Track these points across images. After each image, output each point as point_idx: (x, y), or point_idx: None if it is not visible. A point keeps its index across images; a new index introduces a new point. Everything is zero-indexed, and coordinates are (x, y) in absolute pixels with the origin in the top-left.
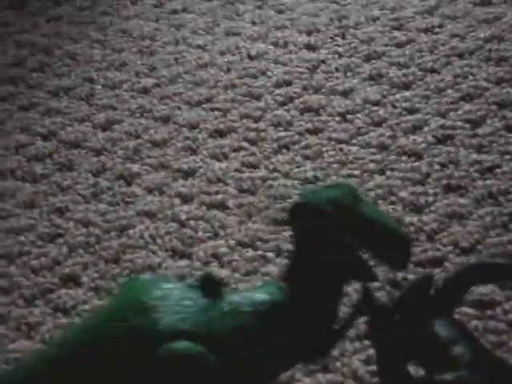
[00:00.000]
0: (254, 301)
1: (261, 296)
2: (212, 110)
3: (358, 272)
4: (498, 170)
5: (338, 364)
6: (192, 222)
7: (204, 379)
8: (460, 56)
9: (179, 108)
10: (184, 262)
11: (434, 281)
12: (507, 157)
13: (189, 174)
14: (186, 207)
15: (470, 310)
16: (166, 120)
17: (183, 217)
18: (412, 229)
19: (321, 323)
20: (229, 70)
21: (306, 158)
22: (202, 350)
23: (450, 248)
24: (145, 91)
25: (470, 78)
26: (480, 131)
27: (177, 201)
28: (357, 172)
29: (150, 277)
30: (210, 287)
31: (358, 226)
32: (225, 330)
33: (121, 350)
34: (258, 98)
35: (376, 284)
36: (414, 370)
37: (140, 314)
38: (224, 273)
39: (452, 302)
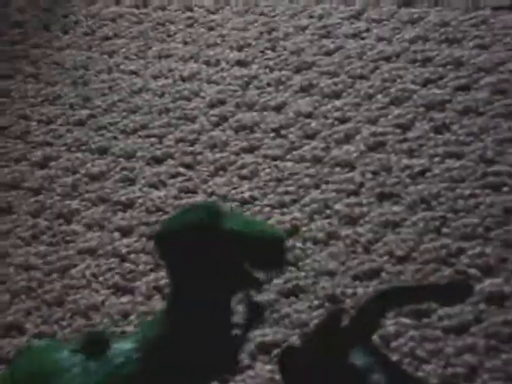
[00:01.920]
0: (128, 349)
1: (130, 344)
2: (148, 136)
3: (243, 284)
4: (428, 174)
5: None
6: (133, 256)
7: None
8: (387, 59)
9: (115, 138)
10: (127, 298)
11: (346, 312)
12: (437, 159)
13: (127, 205)
14: (125, 241)
15: (406, 320)
16: (102, 151)
17: (124, 251)
18: (348, 241)
19: (212, 343)
20: (163, 93)
21: (243, 178)
22: None
23: (385, 258)
24: (80, 123)
25: (398, 81)
26: (410, 135)
27: (117, 235)
28: (292, 188)
29: (43, 344)
30: (93, 348)
31: (225, 240)
32: None
33: None
34: (192, 120)
35: (315, 302)
36: None
37: None
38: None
39: (367, 330)
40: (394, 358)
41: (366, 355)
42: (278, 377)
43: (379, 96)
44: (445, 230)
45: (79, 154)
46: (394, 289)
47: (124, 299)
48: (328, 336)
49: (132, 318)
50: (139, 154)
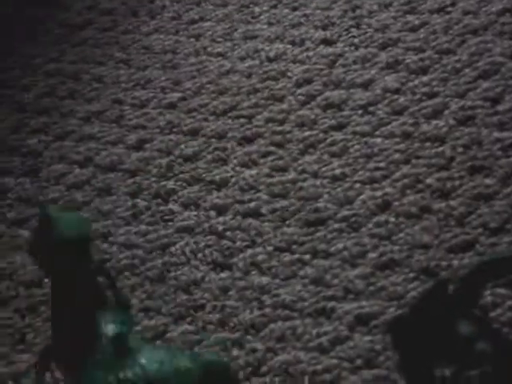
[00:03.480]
0: None
1: None
2: (237, 117)
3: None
4: None
5: (382, 358)
6: (229, 233)
7: None
8: (474, 33)
9: (206, 119)
10: (225, 274)
11: (450, 282)
12: None
13: (221, 184)
14: (221, 219)
15: (502, 291)
16: (194, 133)
17: (220, 228)
18: (441, 215)
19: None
20: (250, 75)
21: (333, 155)
22: None
23: (479, 230)
24: (172, 106)
25: (486, 54)
26: (500, 108)
27: (213, 213)
28: (383, 164)
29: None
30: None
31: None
32: None
33: None
34: (280, 100)
35: (411, 274)
36: (439, 370)
37: None
38: (265, 279)
39: (470, 301)
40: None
41: (471, 324)
42: (377, 347)
43: (467, 70)
44: None
45: (172, 136)
46: (495, 259)
47: (223, 275)
48: (434, 306)
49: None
50: (230, 134)
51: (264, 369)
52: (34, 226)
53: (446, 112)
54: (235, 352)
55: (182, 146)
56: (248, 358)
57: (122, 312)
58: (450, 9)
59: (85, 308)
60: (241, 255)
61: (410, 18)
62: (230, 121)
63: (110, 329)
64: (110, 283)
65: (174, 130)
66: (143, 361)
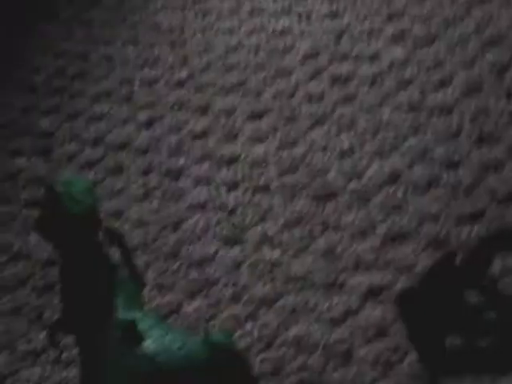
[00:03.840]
0: None
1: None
2: (245, 93)
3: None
4: None
5: (393, 329)
6: (240, 209)
7: None
8: (480, 3)
9: (214, 96)
10: (237, 249)
11: (459, 252)
12: None
13: (231, 161)
14: (232, 194)
15: (511, 262)
16: (203, 110)
17: (231, 204)
18: (449, 185)
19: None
20: (257, 50)
21: (341, 129)
22: None
23: (487, 200)
24: (180, 84)
25: (492, 24)
26: (507, 76)
27: (223, 189)
28: (391, 136)
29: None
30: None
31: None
32: None
33: None
34: (288, 74)
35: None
36: (449, 339)
37: None
38: (276, 253)
39: (479, 271)
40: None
41: (479, 294)
42: (388, 317)
43: (473, 40)
44: None
45: (181, 114)
46: (502, 229)
47: (235, 250)
48: (442, 277)
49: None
50: (238, 110)
51: (277, 342)
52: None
53: (453, 82)
54: (248, 326)
55: (192, 124)
56: (261, 331)
57: (132, 288)
58: None
59: (94, 280)
60: (252, 230)
61: None
62: (238, 97)
63: (120, 314)
64: (123, 250)
65: (183, 107)
66: (151, 347)
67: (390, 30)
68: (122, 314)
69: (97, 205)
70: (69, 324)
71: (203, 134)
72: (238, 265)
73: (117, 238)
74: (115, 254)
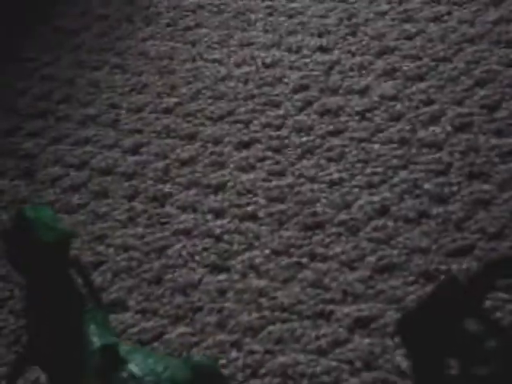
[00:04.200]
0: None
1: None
2: (234, 122)
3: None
4: None
5: (381, 361)
6: (227, 236)
7: None
8: (470, 41)
9: (203, 124)
10: (223, 276)
11: (460, 279)
12: None
13: (218, 188)
14: (219, 222)
15: (503, 295)
16: (191, 137)
17: (218, 231)
18: (439, 220)
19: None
20: (246, 80)
21: (330, 160)
22: None
23: (477, 235)
24: (168, 111)
25: (483, 62)
26: (497, 115)
27: (210, 216)
28: (380, 169)
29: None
30: None
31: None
32: None
33: None
34: (277, 105)
35: (410, 277)
36: (448, 366)
37: None
38: (263, 282)
39: (480, 298)
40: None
41: (479, 322)
42: (376, 349)
43: (464, 78)
44: None
45: (169, 140)
46: (503, 259)
47: (221, 277)
48: (441, 304)
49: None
50: (227, 139)
51: (262, 371)
52: (8, 228)
53: (443, 119)
54: (233, 354)
55: (179, 150)
56: (246, 359)
57: (103, 315)
58: (445, 17)
59: (64, 310)
60: (238, 258)
61: (406, 26)
62: (226, 126)
63: (96, 340)
64: (84, 278)
65: (171, 134)
66: (136, 372)
67: (380, 65)
68: (98, 340)
69: (68, 231)
70: (35, 355)
71: (190, 161)
72: (223, 292)
73: (77, 266)
74: (79, 282)
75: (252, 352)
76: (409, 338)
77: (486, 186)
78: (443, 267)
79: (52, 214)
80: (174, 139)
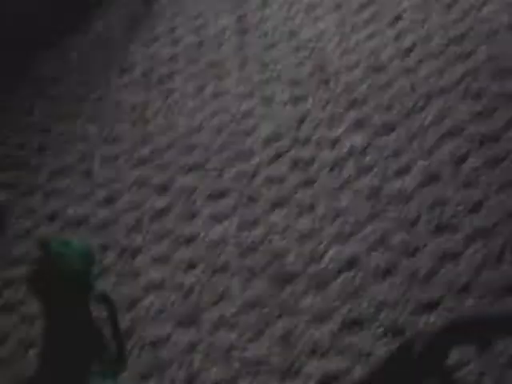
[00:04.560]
0: None
1: None
2: (206, 173)
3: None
4: (485, 205)
5: None
6: (198, 288)
7: None
8: (439, 94)
9: (176, 175)
10: (193, 331)
11: (416, 341)
12: (493, 189)
13: (190, 239)
14: (190, 274)
15: (469, 351)
16: (163, 189)
17: (188, 284)
18: (407, 273)
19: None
20: (219, 131)
21: (301, 212)
22: None
23: (444, 289)
24: (141, 162)
25: (451, 115)
26: (464, 167)
27: (181, 268)
28: (350, 221)
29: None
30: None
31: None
32: None
33: None
34: (249, 156)
35: (379, 333)
36: None
37: None
38: (232, 336)
39: (437, 359)
40: None
41: (442, 380)
42: None
43: (432, 130)
44: (505, 259)
45: (142, 191)
46: (460, 320)
47: (190, 332)
48: (400, 365)
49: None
50: (199, 189)
51: None
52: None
53: (412, 171)
54: None
55: (151, 201)
56: None
57: (112, 355)
58: (415, 70)
59: (77, 343)
60: (208, 312)
61: (376, 78)
62: (199, 176)
63: (93, 381)
64: (111, 316)
65: (144, 185)
66: None
67: (351, 116)
68: (95, 381)
69: (91, 270)
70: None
71: (162, 213)
72: (192, 347)
73: (108, 305)
74: (102, 318)
75: None
76: None
77: (452, 240)
78: (410, 321)
79: (81, 252)
80: (147, 190)
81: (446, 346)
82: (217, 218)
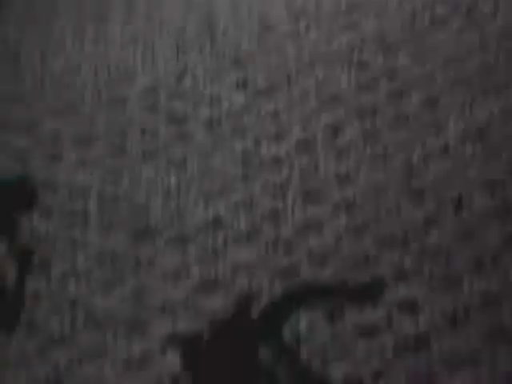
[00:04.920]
0: None
1: None
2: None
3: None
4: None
5: None
6: (51, 237)
7: None
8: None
9: (44, 115)
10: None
11: (255, 302)
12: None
13: (50, 185)
14: (43, 222)
15: (319, 321)
16: (29, 129)
17: (43, 232)
18: (270, 240)
19: None
20: (96, 75)
21: (170, 168)
22: None
23: (305, 257)
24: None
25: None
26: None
27: (38, 215)
28: (220, 180)
29: None
30: None
31: None
32: None
33: None
34: (124, 104)
35: None
36: None
37: None
38: (81, 288)
39: (276, 326)
40: (305, 356)
41: (275, 351)
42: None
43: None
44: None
45: (8, 131)
46: (304, 287)
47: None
48: (237, 328)
49: None
50: (67, 132)
51: None
52: None
53: (288, 137)
54: None
55: (16, 143)
56: None
57: None
58: (304, 35)
59: None
60: (61, 261)
61: (264, 39)
62: (67, 120)
63: None
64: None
65: (7, 125)
66: None
67: (233, 76)
68: None
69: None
70: None
71: (24, 154)
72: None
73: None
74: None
75: None
76: (195, 363)
77: (318, 209)
78: (265, 287)
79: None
80: (11, 130)
81: (289, 311)
82: (83, 165)
